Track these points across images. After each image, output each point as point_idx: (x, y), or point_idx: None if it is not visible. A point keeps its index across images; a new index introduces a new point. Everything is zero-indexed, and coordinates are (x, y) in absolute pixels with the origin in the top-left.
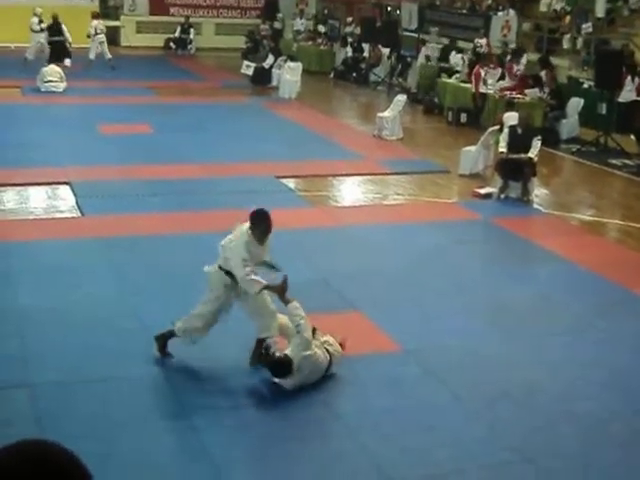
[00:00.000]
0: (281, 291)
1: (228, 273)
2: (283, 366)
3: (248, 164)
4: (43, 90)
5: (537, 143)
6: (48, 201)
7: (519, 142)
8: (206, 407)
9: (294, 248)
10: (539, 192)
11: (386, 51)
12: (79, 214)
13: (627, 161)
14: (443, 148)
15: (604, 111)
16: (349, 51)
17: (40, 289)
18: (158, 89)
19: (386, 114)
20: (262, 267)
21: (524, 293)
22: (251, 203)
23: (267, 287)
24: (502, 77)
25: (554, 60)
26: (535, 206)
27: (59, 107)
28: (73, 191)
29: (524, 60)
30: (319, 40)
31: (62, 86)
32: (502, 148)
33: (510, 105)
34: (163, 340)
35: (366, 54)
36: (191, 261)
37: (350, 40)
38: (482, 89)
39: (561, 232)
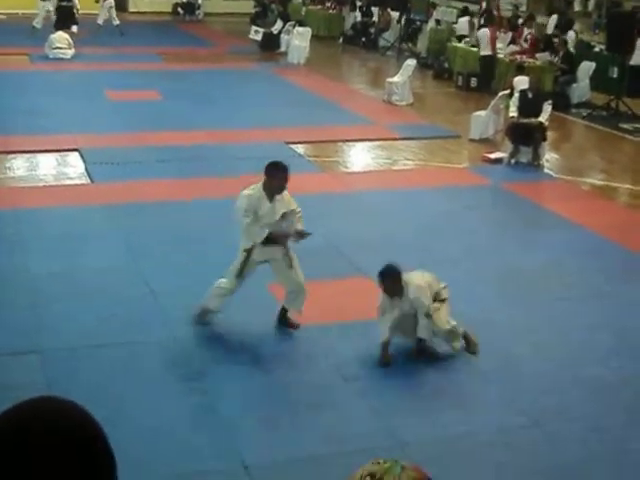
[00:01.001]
0: (283, 238)
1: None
2: None
3: (257, 130)
4: (51, 57)
5: (548, 107)
6: (57, 168)
7: (530, 107)
8: (217, 372)
9: (304, 214)
10: (549, 157)
11: (395, 15)
12: (88, 181)
13: (638, 125)
14: (453, 113)
15: (615, 75)
16: (358, 15)
17: (50, 256)
18: (166, 55)
19: (396, 79)
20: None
21: (534, 258)
22: (260, 169)
23: (272, 234)
24: (513, 41)
25: None
26: (545, 171)
27: (67, 74)
28: (82, 158)
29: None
30: (328, 4)
31: (70, 53)
32: (512, 113)
33: (520, 69)
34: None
35: (375, 18)
36: (201, 227)
37: (359, 4)
38: (482, 52)
39: (572, 197)
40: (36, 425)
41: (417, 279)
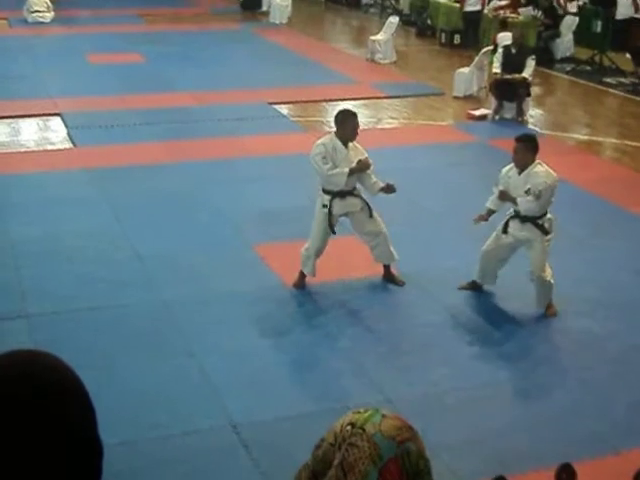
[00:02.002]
0: (366, 166)
1: (326, 192)
2: None
3: (240, 91)
4: (30, 21)
5: (531, 63)
6: (39, 133)
7: (513, 62)
8: (204, 334)
9: (289, 174)
10: (534, 112)
11: None
12: (71, 145)
13: (622, 79)
14: (437, 70)
15: (599, 29)
16: None
17: (33, 221)
18: (148, 17)
19: (379, 37)
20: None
21: None
22: (244, 130)
23: (352, 171)
24: None
25: None
26: (530, 126)
27: (47, 38)
28: (64, 122)
29: None
30: None
31: (49, 16)
32: (496, 69)
33: (504, 25)
34: (300, 277)
35: None
36: (185, 189)
37: None
38: (468, 7)
39: (557, 152)
40: (12, 373)
41: (553, 174)
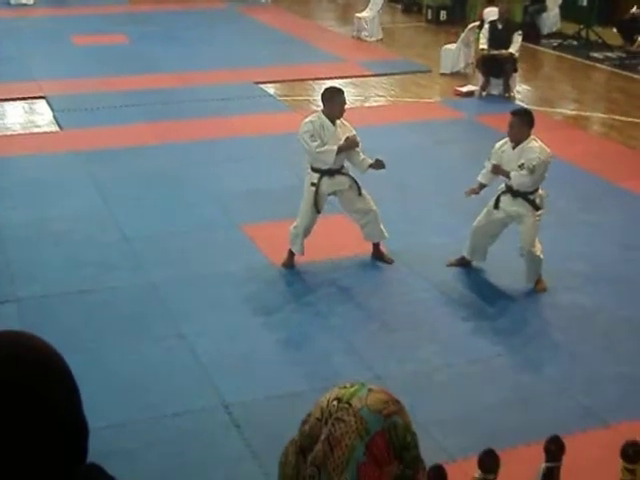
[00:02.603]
0: (355, 144)
1: (315, 170)
2: None
3: (226, 71)
4: (13, 3)
5: (518, 38)
6: (25, 116)
7: (499, 38)
8: (193, 314)
9: (276, 153)
10: (521, 88)
11: None
12: (57, 128)
13: (609, 54)
14: (423, 47)
15: (585, 3)
16: None
17: (21, 204)
18: None
19: (364, 14)
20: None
21: None
22: (231, 110)
23: (340, 149)
24: None
25: None
26: (517, 102)
27: (31, 20)
28: (50, 105)
29: None
30: None
31: None
32: (482, 45)
33: (490, 0)
34: (289, 256)
35: None
36: (172, 170)
37: None
38: None
39: (545, 127)
40: None
41: (547, 150)
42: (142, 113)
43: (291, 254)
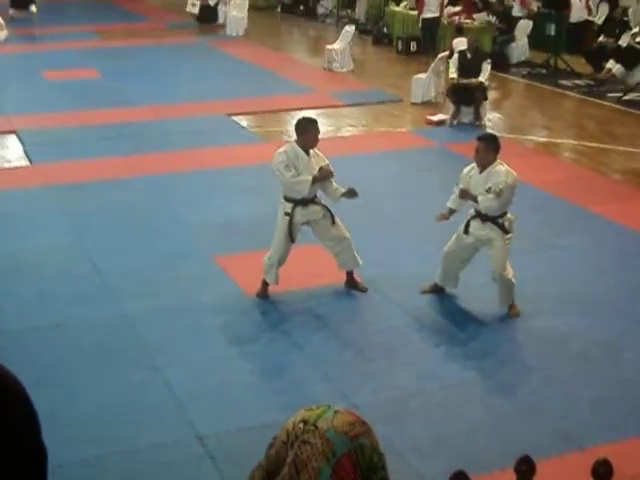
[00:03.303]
0: (329, 174)
1: (289, 200)
2: None
3: (199, 103)
4: None
5: (487, 67)
6: None
7: (469, 67)
8: (167, 346)
9: (249, 184)
10: (491, 116)
11: None
12: (27, 163)
13: (578, 81)
14: (394, 77)
15: (553, 32)
16: None
17: None
18: (103, 32)
19: (335, 46)
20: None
21: None
22: (203, 142)
23: (315, 179)
24: (452, 3)
25: None
26: (488, 130)
27: (1, 56)
28: (20, 140)
29: None
30: None
31: (3, 35)
32: (452, 74)
33: (459, 31)
34: (262, 286)
35: None
36: (144, 202)
37: None
38: (426, 14)
39: (516, 154)
40: None
41: (513, 173)
42: (114, 146)
43: (265, 284)
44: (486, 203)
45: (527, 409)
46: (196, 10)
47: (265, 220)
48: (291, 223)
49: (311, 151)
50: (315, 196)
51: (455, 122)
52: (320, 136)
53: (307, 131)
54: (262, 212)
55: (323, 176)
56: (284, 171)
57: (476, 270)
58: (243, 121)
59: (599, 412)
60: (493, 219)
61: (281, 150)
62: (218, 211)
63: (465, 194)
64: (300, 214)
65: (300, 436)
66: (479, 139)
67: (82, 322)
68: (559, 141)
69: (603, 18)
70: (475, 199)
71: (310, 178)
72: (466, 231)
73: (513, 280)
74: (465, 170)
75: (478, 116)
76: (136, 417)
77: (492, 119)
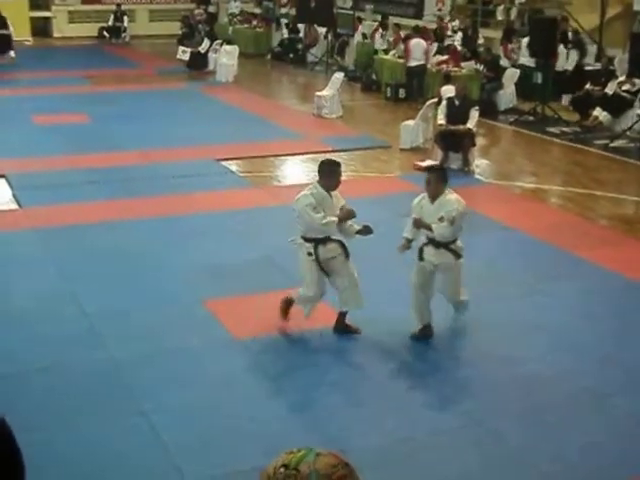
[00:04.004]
0: (352, 214)
1: (308, 240)
2: None
3: (188, 149)
4: None
5: (475, 113)
6: None
7: (457, 113)
8: (154, 391)
9: (239, 228)
10: (479, 162)
11: (322, 30)
12: (16, 206)
13: (565, 129)
14: (383, 124)
15: (540, 80)
16: (285, 32)
17: None
18: (93, 78)
19: (325, 93)
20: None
21: (468, 261)
22: (193, 187)
23: (340, 219)
24: (439, 51)
25: (488, 33)
26: (476, 176)
27: None
28: (9, 183)
29: (458, 36)
30: (254, 22)
31: None
32: (441, 120)
33: (447, 78)
34: (286, 303)
35: (302, 34)
36: (134, 246)
37: (285, 21)
38: (411, 62)
39: (503, 200)
40: None
41: (462, 201)
42: (103, 191)
43: (289, 304)
44: (440, 230)
45: (515, 454)
46: (186, 57)
47: (255, 264)
48: (318, 260)
49: (332, 192)
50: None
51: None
52: (309, 181)
53: (333, 173)
54: (252, 257)
55: (346, 216)
56: (312, 213)
57: (466, 317)
58: (233, 166)
59: (587, 457)
60: (446, 245)
61: (307, 193)
62: (207, 255)
63: (419, 223)
64: (322, 252)
65: None
66: (430, 171)
67: (69, 366)
68: (546, 187)
69: (573, 65)
70: (429, 227)
71: (336, 219)
72: (421, 258)
73: (466, 300)
74: (415, 201)
75: (466, 162)
76: (122, 463)
77: (480, 165)
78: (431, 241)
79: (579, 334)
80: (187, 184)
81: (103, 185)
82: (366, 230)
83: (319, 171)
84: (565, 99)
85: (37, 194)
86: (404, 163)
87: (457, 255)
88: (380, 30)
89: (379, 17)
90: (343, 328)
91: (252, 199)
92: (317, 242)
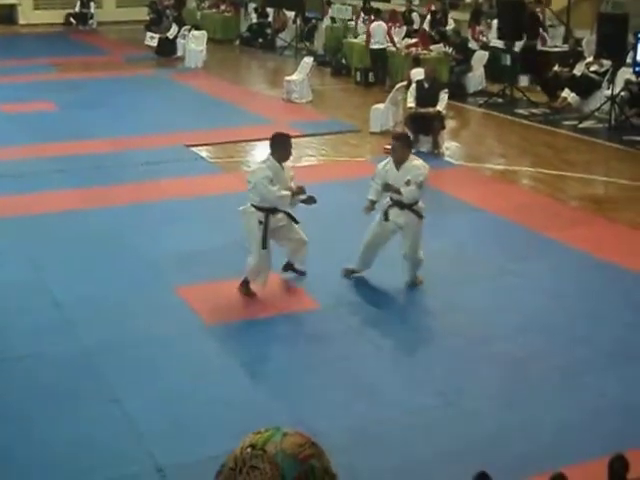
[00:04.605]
0: (303, 190)
1: (260, 209)
2: None
3: (157, 135)
4: None
5: (444, 96)
6: None
7: (426, 96)
8: (126, 378)
9: (209, 215)
10: (449, 145)
11: (291, 15)
12: None
13: (533, 110)
14: (353, 108)
15: (508, 62)
16: (254, 17)
17: None
18: (60, 65)
19: (294, 77)
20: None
21: (439, 243)
22: (163, 173)
23: (294, 193)
24: (408, 34)
25: (457, 15)
26: (446, 159)
27: None
28: None
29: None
30: (223, 7)
31: None
32: (410, 103)
33: (416, 62)
34: (245, 286)
35: (271, 19)
36: (104, 234)
37: (254, 6)
38: (373, 45)
39: (473, 182)
40: None
41: (427, 165)
42: (72, 179)
43: (247, 282)
44: (410, 194)
45: (488, 435)
46: (154, 43)
47: (226, 250)
48: (265, 231)
49: (283, 163)
50: None
51: (414, 151)
52: None
53: (285, 145)
54: (223, 242)
55: (298, 192)
56: (269, 186)
57: (438, 299)
58: (202, 152)
59: (559, 435)
60: (410, 206)
61: (263, 166)
62: (178, 242)
63: (389, 187)
64: (272, 221)
65: (248, 462)
66: (395, 139)
67: (40, 355)
68: (516, 169)
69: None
70: (398, 191)
71: (289, 193)
72: (386, 218)
73: (422, 258)
74: (380, 166)
75: (436, 145)
76: (95, 450)
77: (450, 147)
78: (396, 203)
79: (550, 314)
80: (157, 171)
81: (71, 173)
82: (310, 199)
83: (271, 145)
84: (523, 79)
85: (4, 183)
86: (374, 147)
87: (419, 215)
88: (362, 15)
89: (348, 0)
90: (290, 268)
91: (222, 185)
92: (268, 212)
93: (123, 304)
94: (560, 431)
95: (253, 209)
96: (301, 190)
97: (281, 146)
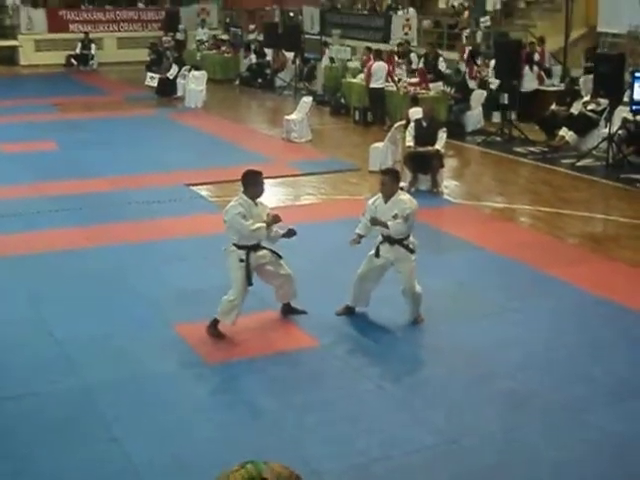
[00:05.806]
0: (279, 219)
1: (241, 247)
2: None
3: (157, 174)
4: None
5: (443, 135)
6: None
7: (425, 135)
8: (125, 416)
9: (209, 254)
10: (448, 183)
11: (290, 55)
12: None
13: (532, 148)
14: (352, 147)
15: (506, 101)
16: (253, 57)
17: None
18: (61, 106)
19: (293, 116)
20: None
21: (439, 281)
22: (163, 212)
23: (268, 224)
24: (412, 73)
25: (452, 55)
26: (445, 197)
27: None
28: None
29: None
30: (223, 48)
31: None
32: (409, 142)
33: (415, 101)
34: (214, 326)
35: (270, 59)
36: (104, 272)
37: (253, 47)
38: (372, 84)
39: (472, 220)
40: None
41: (414, 201)
42: (72, 218)
43: (216, 322)
44: (396, 228)
45: (491, 472)
46: (155, 83)
47: (225, 289)
48: (248, 268)
49: (257, 200)
50: (260, 241)
51: (413, 189)
52: (279, 204)
53: (256, 183)
54: (222, 281)
55: (274, 221)
56: (242, 221)
57: (438, 336)
58: (203, 191)
59: (562, 474)
60: (400, 242)
61: (234, 204)
62: (177, 280)
63: (376, 221)
64: (253, 258)
65: None
66: (384, 173)
67: (39, 394)
68: (515, 207)
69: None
70: (385, 225)
71: (264, 225)
72: (377, 255)
73: (421, 293)
74: (370, 201)
75: (435, 183)
76: None
77: (449, 186)
78: (386, 239)
79: (551, 351)
80: (157, 210)
81: (72, 212)
82: (290, 233)
83: (243, 182)
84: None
85: (4, 222)
86: (373, 185)
87: (410, 250)
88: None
89: (346, 42)
90: (289, 310)
91: (222, 224)
92: (249, 249)
93: (123, 342)
94: (560, 468)
95: (234, 247)
96: (276, 219)
97: (252, 183)
